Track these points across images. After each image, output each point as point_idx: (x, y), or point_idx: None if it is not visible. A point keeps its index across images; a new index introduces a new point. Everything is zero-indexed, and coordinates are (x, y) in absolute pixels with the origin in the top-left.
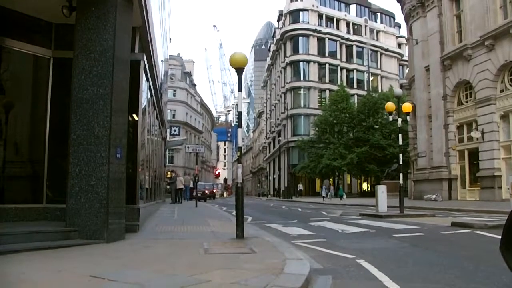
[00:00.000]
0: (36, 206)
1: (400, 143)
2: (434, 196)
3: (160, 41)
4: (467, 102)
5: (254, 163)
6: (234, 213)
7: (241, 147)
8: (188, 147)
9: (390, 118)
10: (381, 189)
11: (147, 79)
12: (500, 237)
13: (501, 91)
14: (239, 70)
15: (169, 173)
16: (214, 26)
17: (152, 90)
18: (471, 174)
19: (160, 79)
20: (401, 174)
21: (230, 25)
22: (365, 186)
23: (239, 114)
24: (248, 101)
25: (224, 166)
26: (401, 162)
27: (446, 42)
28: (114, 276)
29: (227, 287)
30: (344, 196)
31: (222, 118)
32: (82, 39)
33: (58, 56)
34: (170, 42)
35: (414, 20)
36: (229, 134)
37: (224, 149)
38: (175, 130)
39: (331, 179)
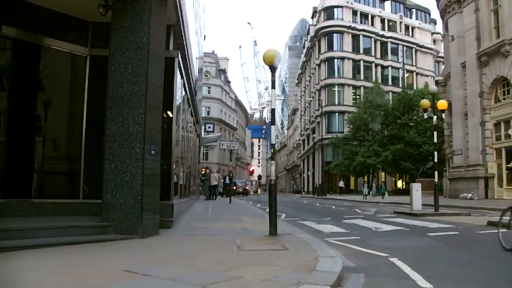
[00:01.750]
0: (73, 201)
1: (435, 140)
2: (470, 195)
3: (194, 39)
4: (504, 99)
5: (288, 160)
6: (267, 210)
7: (274, 144)
8: (222, 143)
9: (425, 116)
10: (416, 187)
11: (182, 76)
12: None
13: None
14: (273, 67)
15: (203, 169)
16: (249, 23)
17: (187, 87)
18: (509, 173)
19: (195, 76)
20: (436, 172)
21: (264, 22)
22: (399, 184)
23: (273, 111)
24: (283, 98)
25: (259, 163)
26: (436, 160)
27: (483, 38)
28: (147, 271)
29: (258, 283)
30: (386, 195)
31: (257, 115)
32: (117, 37)
33: (94, 54)
34: (204, 39)
35: (450, 16)
36: (263, 131)
37: (259, 146)
38: (209, 127)
39: (366, 177)
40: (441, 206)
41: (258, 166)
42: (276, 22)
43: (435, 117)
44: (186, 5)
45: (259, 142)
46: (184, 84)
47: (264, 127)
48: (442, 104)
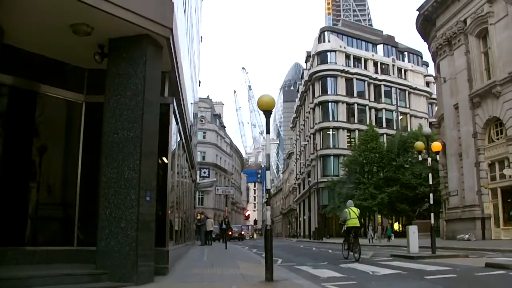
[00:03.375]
0: (68, 249)
1: (430, 182)
2: (467, 236)
3: (189, 84)
4: (498, 139)
5: (284, 204)
6: (263, 255)
7: (269, 189)
8: (217, 189)
9: (420, 158)
10: (412, 230)
11: (177, 122)
12: None
13: None
14: (267, 113)
15: (198, 214)
16: (243, 68)
17: (182, 133)
18: (505, 213)
19: (190, 121)
20: (431, 214)
21: (258, 67)
22: (396, 226)
23: (267, 157)
24: (278, 142)
25: (254, 207)
26: (431, 202)
27: (475, 79)
28: None
29: None
30: (393, 237)
31: (252, 160)
32: (112, 84)
33: (90, 100)
34: (199, 85)
35: (441, 58)
36: (258, 175)
37: (254, 190)
38: (205, 172)
39: (367, 220)
40: (439, 248)
41: (254, 211)
42: (270, 66)
43: (429, 159)
44: (181, 52)
45: (254, 186)
46: (179, 130)
47: (260, 171)
48: (436, 146)
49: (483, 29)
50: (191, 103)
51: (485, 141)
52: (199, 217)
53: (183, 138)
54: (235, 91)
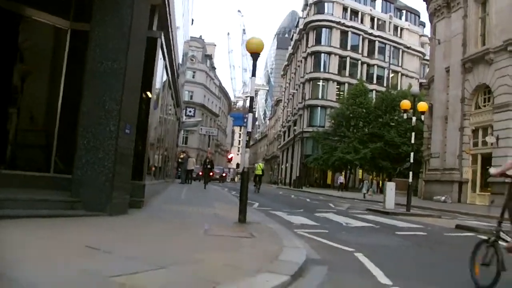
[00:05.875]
0: (44, 175)
1: (413, 141)
2: (443, 198)
3: (181, 21)
4: (484, 106)
5: (268, 151)
6: None
7: (250, 132)
8: (201, 128)
9: (405, 116)
10: (390, 186)
11: (164, 58)
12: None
13: None
14: (255, 55)
15: (181, 153)
16: (239, 11)
17: (169, 70)
18: (483, 179)
19: (178, 59)
20: (410, 173)
21: (255, 11)
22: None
23: (251, 99)
24: (267, 88)
25: (238, 151)
26: (412, 161)
27: (469, 44)
28: (109, 248)
29: (219, 268)
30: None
31: (240, 104)
32: (99, 12)
33: (76, 28)
34: (192, 23)
35: (438, 19)
36: (245, 120)
37: (240, 134)
38: (190, 111)
39: (343, 173)
40: (414, 207)
41: (238, 154)
42: (266, 12)
43: (414, 119)
44: None
45: (240, 130)
46: (166, 66)
47: (247, 115)
48: (422, 106)
49: None
50: (184, 41)
51: (472, 107)
52: (182, 156)
53: (169, 75)
54: (228, 33)
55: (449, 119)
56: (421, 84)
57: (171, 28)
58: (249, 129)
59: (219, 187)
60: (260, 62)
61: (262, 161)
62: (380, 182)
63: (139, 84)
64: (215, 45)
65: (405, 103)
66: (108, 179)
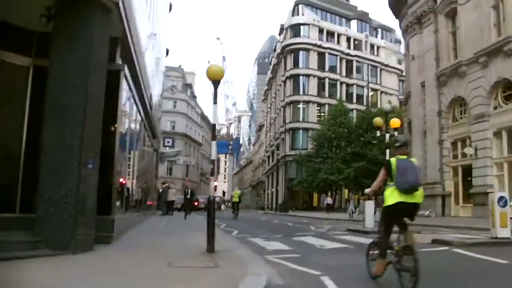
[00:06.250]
0: (10, 216)
1: (388, 158)
2: (427, 213)
3: (150, 52)
4: (461, 118)
5: (254, 176)
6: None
7: (214, 160)
8: (179, 159)
9: (378, 133)
10: (369, 205)
11: (130, 90)
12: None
13: (495, 108)
14: (215, 83)
15: (163, 184)
16: (218, 38)
17: (138, 101)
18: (465, 191)
19: (151, 91)
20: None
21: (234, 38)
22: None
23: (213, 127)
24: (250, 114)
25: (225, 178)
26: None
27: (442, 58)
28: (69, 286)
29: None
30: (377, 212)
31: (224, 131)
32: (58, 47)
33: (38, 64)
34: (167, 54)
35: (411, 36)
36: (230, 147)
37: (225, 161)
38: (168, 142)
39: (329, 194)
40: None
41: (224, 182)
42: (246, 38)
43: (387, 135)
44: (139, 19)
45: (225, 157)
46: (134, 98)
47: (231, 142)
48: (394, 122)
49: (452, 9)
50: (162, 71)
51: (449, 120)
52: (162, 187)
53: (139, 106)
54: (208, 61)
55: (427, 133)
56: (400, 101)
57: (137, 60)
58: (213, 157)
59: (203, 216)
60: (242, 88)
61: (238, 189)
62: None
63: (100, 117)
64: (194, 74)
65: (378, 121)
66: (71, 215)
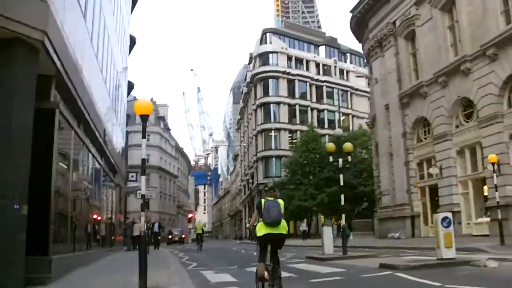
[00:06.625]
0: None
1: (342, 183)
2: (397, 235)
3: (103, 88)
4: (425, 138)
5: (231, 206)
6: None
7: (144, 195)
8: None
9: (331, 159)
10: (327, 231)
11: (71, 127)
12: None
13: (457, 126)
14: (144, 117)
15: (126, 219)
16: (192, 70)
17: (84, 138)
18: (433, 211)
19: (102, 126)
20: (343, 216)
21: (208, 68)
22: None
23: (143, 162)
24: (227, 143)
25: (205, 210)
26: (342, 203)
27: (403, 80)
28: None
29: None
30: (351, 236)
31: (202, 162)
32: None
33: None
34: (132, 88)
35: (373, 59)
36: (208, 178)
37: (204, 192)
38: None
39: (305, 220)
40: (359, 247)
41: (204, 213)
42: (221, 68)
43: (340, 160)
44: (82, 56)
45: (204, 188)
46: (78, 134)
47: (210, 173)
48: (347, 147)
49: (411, 31)
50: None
51: (414, 141)
52: (126, 222)
53: (86, 143)
54: (183, 93)
55: (394, 155)
56: (367, 124)
57: (79, 97)
58: (143, 192)
59: (172, 249)
60: (219, 117)
61: (201, 223)
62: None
63: (27, 156)
64: (167, 106)
65: (330, 146)
66: None
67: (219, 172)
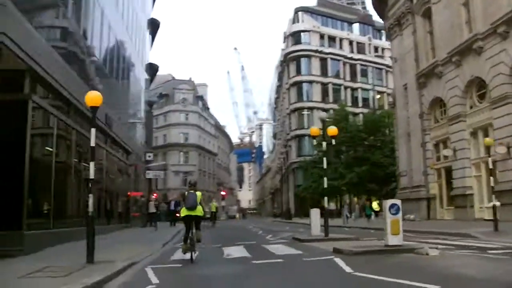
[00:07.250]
0: None
1: (325, 166)
2: (412, 216)
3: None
4: (442, 119)
5: (272, 184)
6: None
7: (92, 179)
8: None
9: (314, 142)
10: (314, 213)
11: (53, 114)
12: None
13: (471, 107)
14: (94, 108)
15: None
16: (235, 48)
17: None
18: (448, 193)
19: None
20: (325, 198)
21: (253, 47)
22: (375, 205)
23: (92, 149)
24: (272, 121)
25: (250, 187)
26: (325, 186)
27: (421, 59)
28: None
29: None
30: (373, 217)
31: (247, 139)
32: None
33: None
34: (156, 71)
35: (393, 38)
36: (252, 155)
37: (249, 170)
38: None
39: (335, 199)
40: (368, 228)
41: (249, 190)
42: (266, 46)
43: (324, 143)
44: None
45: (249, 166)
46: (64, 121)
47: (254, 150)
48: (331, 131)
49: (427, 9)
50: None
51: (431, 121)
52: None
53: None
54: (228, 72)
55: (411, 136)
56: (389, 104)
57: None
58: (91, 176)
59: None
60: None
61: (215, 201)
62: (362, 205)
63: None
64: (206, 85)
65: (314, 130)
66: None
67: (264, 149)
